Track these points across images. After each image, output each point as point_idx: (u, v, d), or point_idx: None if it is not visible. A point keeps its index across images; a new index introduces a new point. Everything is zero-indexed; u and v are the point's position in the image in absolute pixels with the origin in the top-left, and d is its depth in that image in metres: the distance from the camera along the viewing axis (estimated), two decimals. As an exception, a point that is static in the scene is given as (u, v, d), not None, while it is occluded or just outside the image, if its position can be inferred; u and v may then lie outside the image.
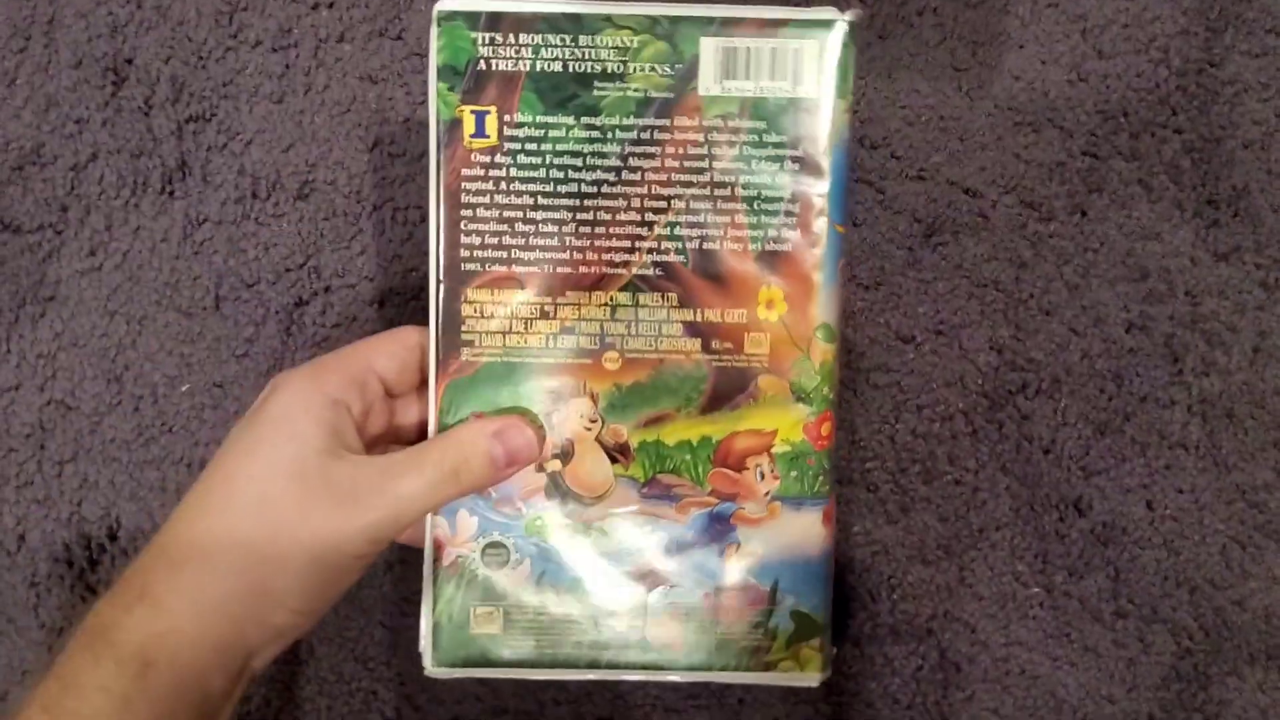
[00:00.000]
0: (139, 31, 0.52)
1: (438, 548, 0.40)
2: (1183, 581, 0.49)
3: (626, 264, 0.40)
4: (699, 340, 0.40)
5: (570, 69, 0.39)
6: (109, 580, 0.47)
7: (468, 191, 0.40)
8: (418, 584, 0.48)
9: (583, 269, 0.40)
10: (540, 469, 0.40)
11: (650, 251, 0.40)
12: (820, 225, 0.40)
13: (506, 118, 0.39)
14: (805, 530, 0.41)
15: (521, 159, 0.40)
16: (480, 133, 0.40)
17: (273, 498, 0.34)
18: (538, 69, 0.39)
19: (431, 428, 0.39)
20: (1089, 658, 0.49)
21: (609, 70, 0.39)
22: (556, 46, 0.39)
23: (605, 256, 0.40)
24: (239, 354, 0.50)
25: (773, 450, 0.40)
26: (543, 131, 0.40)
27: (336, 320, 0.50)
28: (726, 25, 0.39)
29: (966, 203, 0.52)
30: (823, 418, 0.40)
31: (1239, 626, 0.49)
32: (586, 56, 0.39)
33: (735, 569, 0.40)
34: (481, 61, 0.39)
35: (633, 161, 0.40)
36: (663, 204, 0.40)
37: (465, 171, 0.39)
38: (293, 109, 0.52)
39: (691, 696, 0.50)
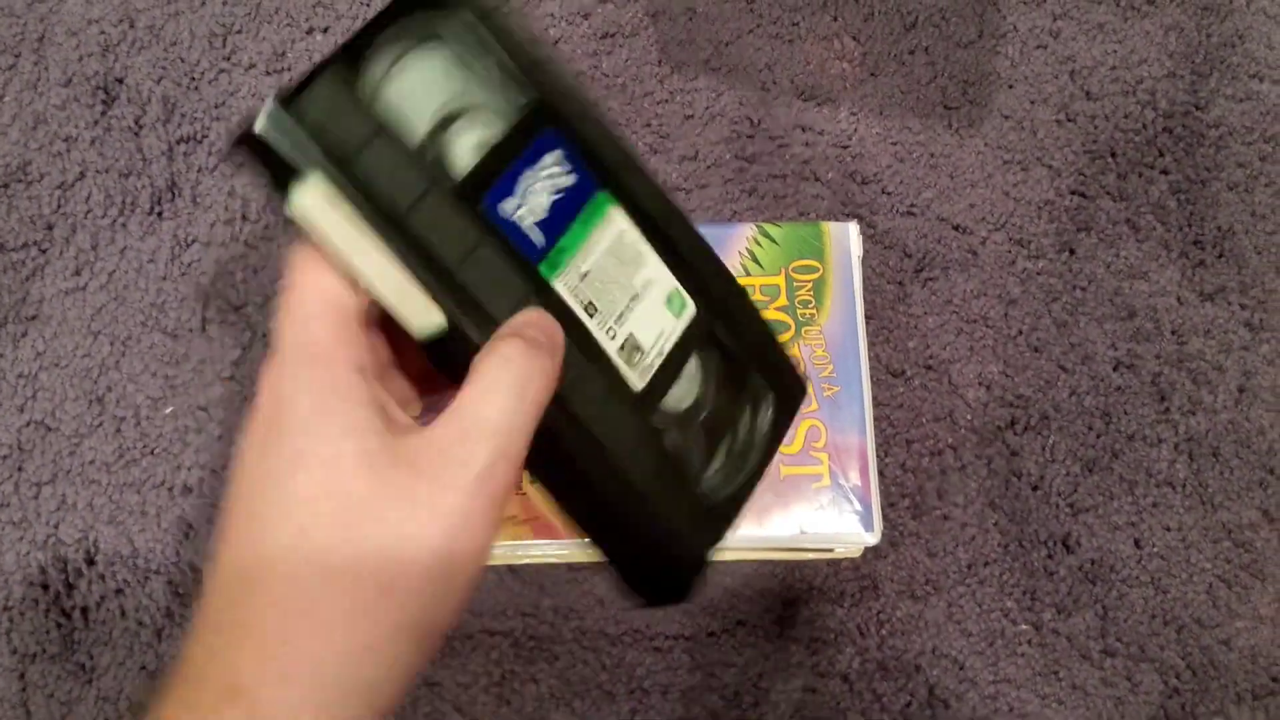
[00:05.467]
0: (131, 51, 0.52)
1: None
2: (1170, 620, 0.49)
3: None
4: None
5: None
6: (84, 605, 0.46)
7: None
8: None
9: None
10: None
11: None
12: None
13: None
14: None
15: None
16: None
17: (352, 505, 0.26)
18: None
19: None
20: (1077, 696, 0.48)
21: None
22: None
23: None
24: (224, 377, 0.49)
25: None
26: None
27: (324, 344, 0.50)
28: None
29: (956, 239, 0.53)
30: None
31: (1226, 666, 0.49)
32: None
33: None
34: None
35: None
36: None
37: None
38: (285, 132, 0.51)
39: None
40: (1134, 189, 0.54)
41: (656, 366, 0.31)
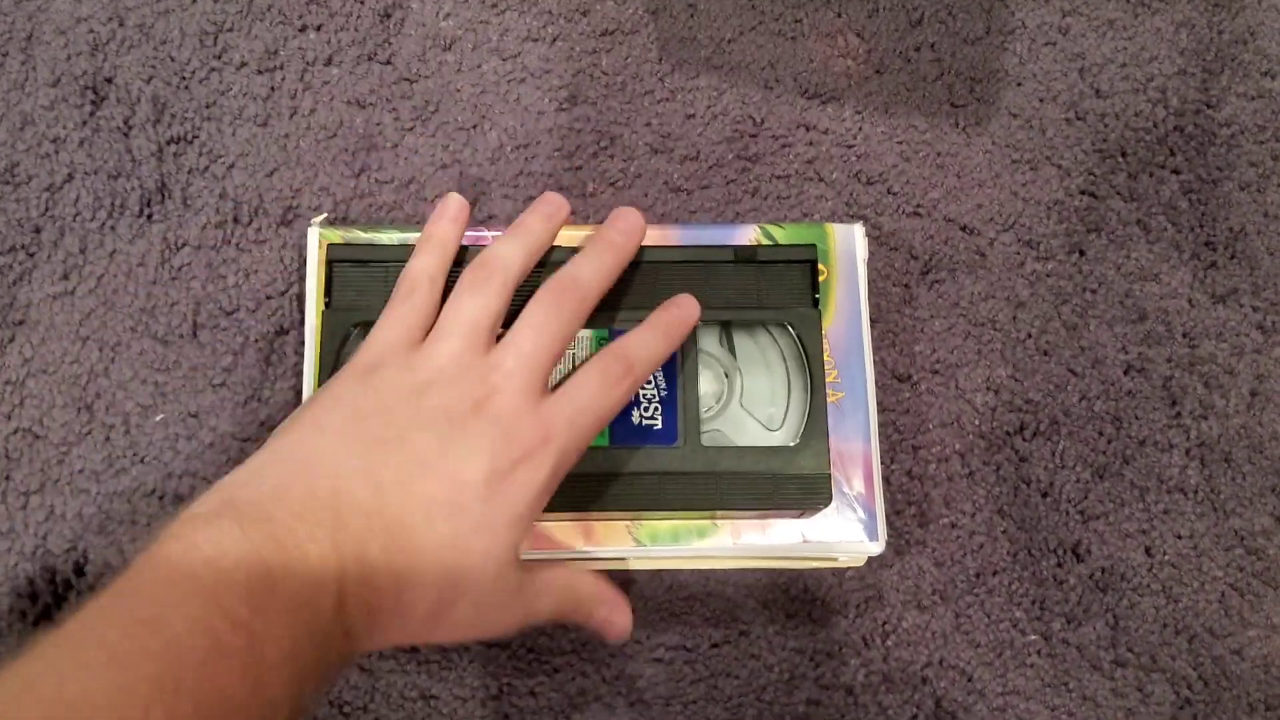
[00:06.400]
0: (120, 50, 0.50)
1: None
2: (1182, 629, 0.48)
3: None
4: None
5: None
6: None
7: None
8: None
9: None
10: None
11: None
12: None
13: None
14: None
15: None
16: None
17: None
18: None
19: None
20: (1087, 707, 0.47)
21: None
22: None
23: None
24: (216, 383, 0.48)
25: None
26: None
27: (318, 350, 0.49)
28: None
29: (964, 240, 0.51)
30: None
31: (1238, 676, 0.48)
32: None
33: None
34: None
35: None
36: None
37: None
38: (277, 132, 0.50)
39: None
40: (1145, 189, 0.52)
41: None
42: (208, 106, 0.50)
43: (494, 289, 0.38)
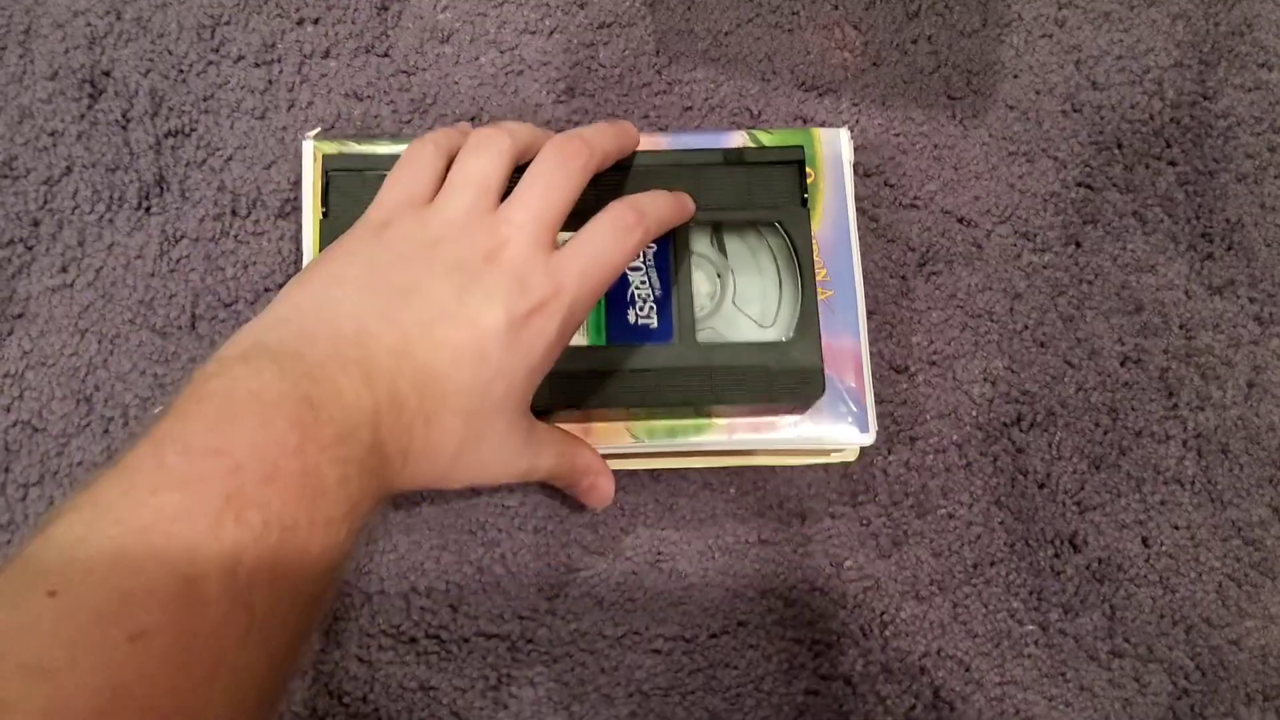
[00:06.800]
0: (118, 44, 0.51)
1: None
2: (1179, 620, 0.48)
3: None
4: None
5: None
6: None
7: None
8: (394, 618, 0.46)
9: None
10: None
11: None
12: None
13: None
14: None
15: None
16: None
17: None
18: None
19: None
20: (1085, 697, 0.47)
21: None
22: None
23: None
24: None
25: None
26: None
27: (316, 342, 0.49)
28: None
29: (960, 232, 0.52)
30: None
31: (1236, 666, 0.48)
32: None
33: None
34: None
35: None
36: None
37: None
38: (275, 125, 0.50)
39: None
40: (1141, 181, 0.53)
41: None
42: (205, 99, 0.50)
43: (501, 148, 0.39)
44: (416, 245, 0.37)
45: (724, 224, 0.47)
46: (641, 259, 0.46)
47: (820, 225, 0.47)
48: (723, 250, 0.48)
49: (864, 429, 0.45)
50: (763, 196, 0.46)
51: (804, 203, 0.46)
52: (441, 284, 0.35)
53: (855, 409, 0.46)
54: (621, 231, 0.39)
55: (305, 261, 0.46)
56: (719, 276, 0.47)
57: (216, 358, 0.32)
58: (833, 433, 0.45)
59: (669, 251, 0.45)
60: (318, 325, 0.34)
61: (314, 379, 0.31)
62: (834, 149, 0.48)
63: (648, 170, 0.45)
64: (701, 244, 0.47)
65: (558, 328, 0.37)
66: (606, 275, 0.38)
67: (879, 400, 0.49)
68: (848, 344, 0.46)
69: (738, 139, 0.48)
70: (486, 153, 0.39)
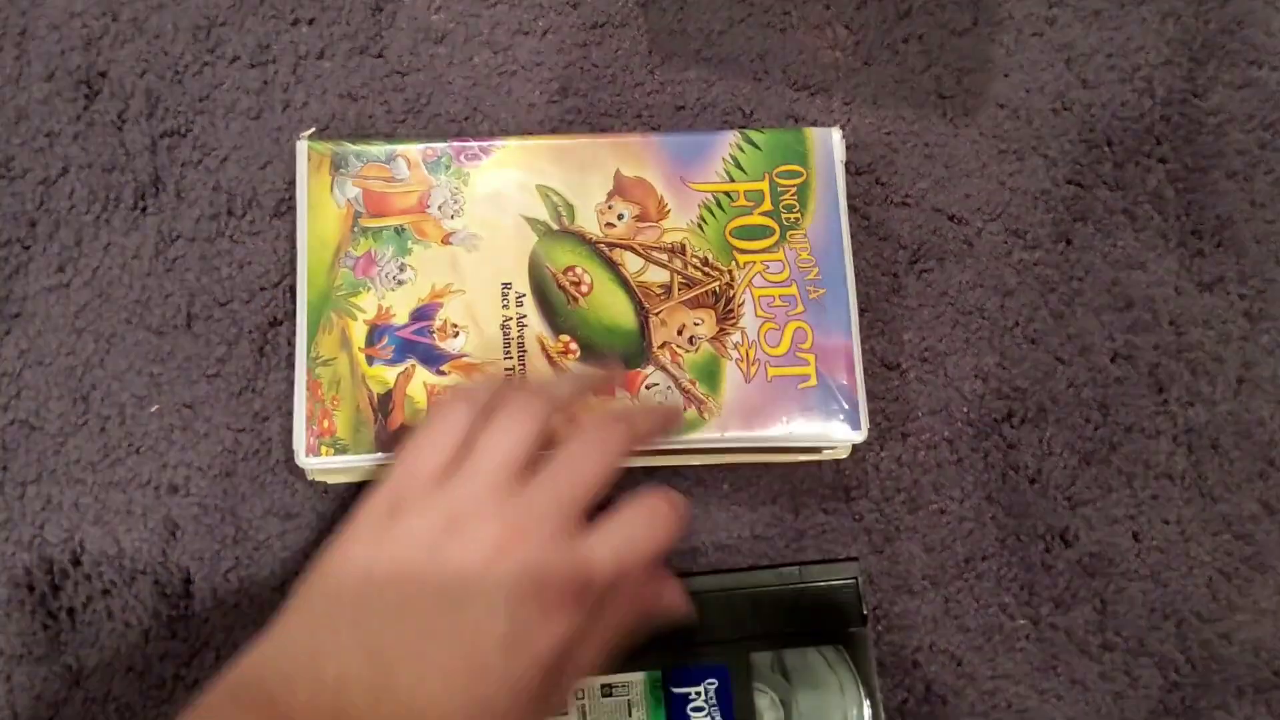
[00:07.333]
0: (114, 44, 0.51)
1: None
2: (1170, 614, 0.49)
3: None
4: None
5: None
6: (70, 607, 0.46)
7: None
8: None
9: None
10: None
11: None
12: None
13: None
14: None
15: None
16: None
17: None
18: None
19: None
20: (1076, 691, 0.48)
21: None
22: None
23: None
24: (210, 374, 0.48)
25: None
26: None
27: (312, 341, 0.49)
28: None
29: (952, 229, 0.52)
30: None
31: (1226, 659, 0.48)
32: None
33: None
34: None
35: None
36: None
37: None
38: (270, 125, 0.51)
39: None
40: (1131, 178, 0.53)
41: None
42: (201, 100, 0.51)
43: (530, 431, 0.37)
44: (418, 547, 0.34)
45: (786, 648, 0.46)
46: (704, 698, 0.44)
47: (812, 223, 0.48)
48: (785, 674, 0.46)
49: (856, 426, 0.46)
50: (823, 618, 0.45)
51: (864, 620, 0.46)
52: (436, 599, 0.33)
53: (847, 406, 0.46)
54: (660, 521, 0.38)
55: (300, 262, 0.46)
56: (782, 704, 0.46)
57: (197, 704, 0.33)
58: (825, 429, 0.46)
59: (730, 689, 0.44)
60: (299, 669, 0.33)
61: None
62: (826, 148, 0.49)
63: (708, 595, 0.45)
64: (763, 667, 0.46)
65: (582, 619, 0.34)
66: (644, 558, 0.36)
67: (871, 397, 0.49)
68: (840, 342, 0.47)
69: (730, 139, 0.48)
70: (515, 432, 0.36)
